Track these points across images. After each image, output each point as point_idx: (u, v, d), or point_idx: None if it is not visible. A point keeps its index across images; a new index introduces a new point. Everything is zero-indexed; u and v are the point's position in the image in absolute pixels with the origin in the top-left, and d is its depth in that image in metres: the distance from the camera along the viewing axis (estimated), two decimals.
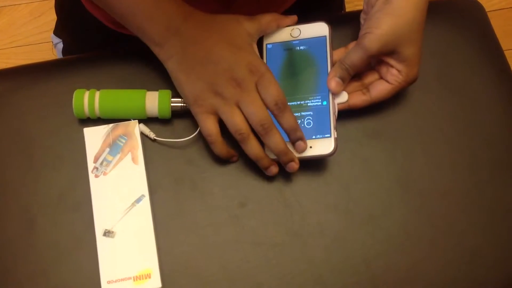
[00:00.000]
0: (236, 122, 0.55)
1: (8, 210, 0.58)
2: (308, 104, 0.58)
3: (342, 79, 0.58)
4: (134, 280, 0.54)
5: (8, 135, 0.61)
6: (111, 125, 0.58)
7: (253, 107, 0.55)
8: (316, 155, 0.57)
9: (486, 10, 0.72)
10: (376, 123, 0.63)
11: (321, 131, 0.57)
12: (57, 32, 0.95)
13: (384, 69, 0.59)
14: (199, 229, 0.58)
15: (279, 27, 0.61)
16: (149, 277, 0.54)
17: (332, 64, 0.59)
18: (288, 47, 0.61)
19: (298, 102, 0.59)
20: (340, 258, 0.58)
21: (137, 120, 0.58)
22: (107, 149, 0.57)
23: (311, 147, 0.57)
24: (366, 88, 0.60)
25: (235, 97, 0.55)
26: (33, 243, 0.57)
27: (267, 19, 0.61)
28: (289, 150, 0.57)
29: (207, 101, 0.56)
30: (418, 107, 0.64)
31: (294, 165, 0.57)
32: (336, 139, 0.57)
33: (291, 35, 0.61)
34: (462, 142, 0.63)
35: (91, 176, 0.57)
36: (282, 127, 0.57)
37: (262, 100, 0.55)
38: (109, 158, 0.57)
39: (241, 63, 0.55)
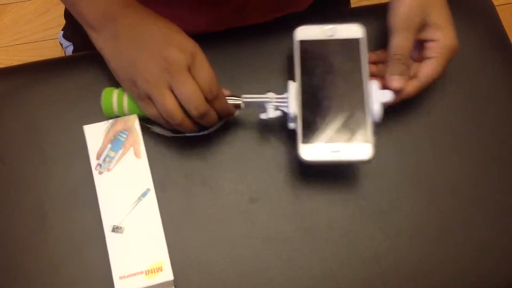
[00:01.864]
0: (167, 107, 0.52)
1: (21, 205, 0.57)
2: (345, 107, 0.55)
3: (402, 73, 0.56)
4: (146, 274, 0.52)
5: (20, 131, 0.60)
6: (110, 120, 0.57)
7: (185, 90, 0.52)
8: (354, 160, 0.53)
9: (495, 3, 0.70)
10: (386, 119, 0.61)
11: (360, 136, 0.54)
12: (66, 35, 0.94)
13: (422, 51, 0.58)
14: (209, 224, 0.57)
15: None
16: (161, 270, 0.53)
17: (367, 65, 0.56)
18: (321, 45, 0.58)
19: (334, 103, 0.55)
20: (350, 253, 0.57)
21: (135, 115, 0.57)
22: (109, 145, 0.56)
23: (348, 151, 0.53)
24: (413, 75, 0.58)
25: (165, 79, 0.52)
26: (45, 239, 0.56)
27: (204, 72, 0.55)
28: (231, 106, 0.56)
29: (140, 89, 0.53)
30: (427, 103, 0.63)
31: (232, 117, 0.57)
32: (374, 144, 0.53)
33: (324, 34, 0.58)
34: (472, 137, 0.62)
35: (95, 173, 0.55)
36: (216, 112, 0.55)
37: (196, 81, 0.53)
38: (112, 154, 0.56)
39: (171, 44, 0.52)
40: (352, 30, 0.57)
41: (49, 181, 0.58)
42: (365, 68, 0.56)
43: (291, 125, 0.55)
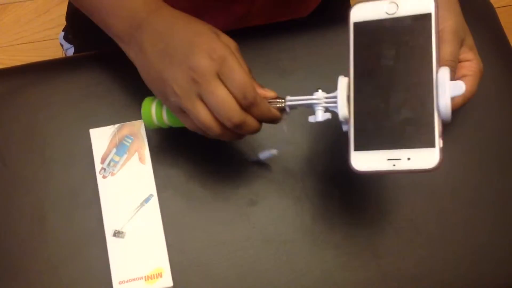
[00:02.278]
0: (201, 120, 0.48)
1: (21, 207, 0.58)
2: (406, 104, 0.45)
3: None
4: (145, 280, 0.53)
5: (21, 132, 0.61)
6: (116, 125, 0.58)
7: (214, 100, 0.47)
8: (415, 169, 0.44)
9: (496, 6, 0.71)
10: None
11: (423, 140, 0.44)
12: (67, 38, 0.95)
13: (457, 70, 0.56)
14: (209, 227, 0.58)
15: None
16: (161, 276, 0.54)
17: (439, 49, 0.45)
18: (381, 27, 0.47)
19: (393, 101, 0.45)
20: (350, 255, 0.58)
21: (142, 120, 0.58)
22: (114, 150, 0.57)
23: (409, 158, 0.44)
24: None
25: (194, 90, 0.48)
26: (45, 240, 0.57)
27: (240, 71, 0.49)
28: (273, 109, 0.51)
29: (171, 101, 0.50)
30: None
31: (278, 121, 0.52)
32: (441, 150, 0.43)
33: (386, 12, 0.47)
34: (472, 139, 0.62)
35: (99, 177, 0.56)
36: (257, 119, 0.50)
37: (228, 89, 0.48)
38: (116, 158, 0.57)
39: (200, 49, 0.47)
40: (422, 2, 0.46)
41: (50, 183, 0.59)
42: (437, 52, 0.45)
43: (344, 127, 0.48)
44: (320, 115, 0.49)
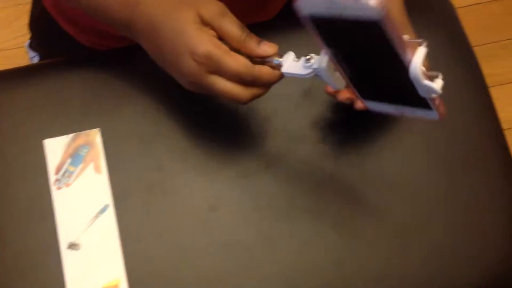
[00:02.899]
0: (223, 98, 0.51)
1: None
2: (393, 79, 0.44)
3: None
4: None
5: None
6: (71, 135, 0.57)
7: (217, 92, 0.50)
8: (421, 117, 0.46)
9: (463, 5, 0.71)
10: (347, 123, 0.62)
11: (420, 106, 0.45)
12: (32, 46, 0.94)
13: None
14: (170, 235, 0.58)
15: (240, 47, 0.50)
16: None
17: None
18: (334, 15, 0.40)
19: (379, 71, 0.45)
20: (311, 259, 0.57)
21: (98, 129, 0.57)
22: (69, 160, 0.56)
23: (413, 112, 0.46)
24: None
25: (196, 87, 0.51)
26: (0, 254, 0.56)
27: (231, 29, 0.50)
28: (275, 72, 0.50)
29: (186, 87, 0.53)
30: None
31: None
32: (441, 110, 0.45)
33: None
34: (434, 140, 0.62)
35: (53, 189, 0.55)
36: (264, 86, 0.51)
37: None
38: (71, 168, 0.56)
39: (183, 56, 0.49)
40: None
41: (3, 196, 0.57)
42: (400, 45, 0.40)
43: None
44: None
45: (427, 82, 0.41)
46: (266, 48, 0.50)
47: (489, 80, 1.41)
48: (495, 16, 1.45)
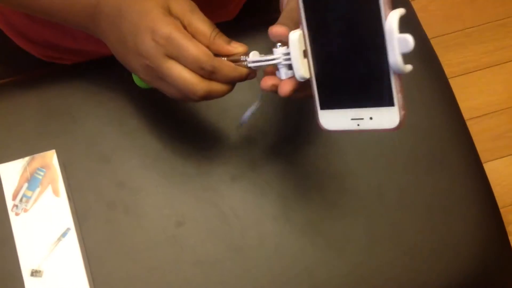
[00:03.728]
0: (173, 95, 0.49)
1: None
2: (363, 59, 0.42)
3: None
4: None
5: None
6: (27, 158, 0.55)
7: (172, 80, 0.47)
8: (378, 129, 0.42)
9: None
10: (308, 126, 0.61)
11: (382, 98, 0.42)
12: None
13: None
14: (136, 254, 0.56)
15: (209, 46, 0.49)
16: None
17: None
18: None
19: (350, 56, 0.43)
20: (282, 269, 0.56)
21: (54, 150, 0.56)
22: (26, 184, 0.55)
23: (371, 118, 0.42)
24: None
25: (152, 75, 0.48)
26: None
27: (202, 26, 0.49)
28: (238, 68, 0.48)
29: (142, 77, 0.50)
30: None
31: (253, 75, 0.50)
32: (402, 107, 0.41)
33: None
34: (396, 140, 0.62)
35: (12, 215, 0.54)
36: (224, 82, 0.49)
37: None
38: (28, 193, 0.54)
39: (143, 34, 0.46)
40: None
41: None
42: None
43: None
44: (283, 73, 0.46)
45: (402, 34, 0.39)
46: (237, 45, 0.49)
47: (455, 69, 1.43)
48: (457, 4, 1.46)
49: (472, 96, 1.38)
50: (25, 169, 0.55)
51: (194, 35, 0.48)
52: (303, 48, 0.44)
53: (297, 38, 0.44)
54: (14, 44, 0.73)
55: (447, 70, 0.68)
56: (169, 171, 0.59)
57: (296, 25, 0.45)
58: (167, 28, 0.46)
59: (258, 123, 0.61)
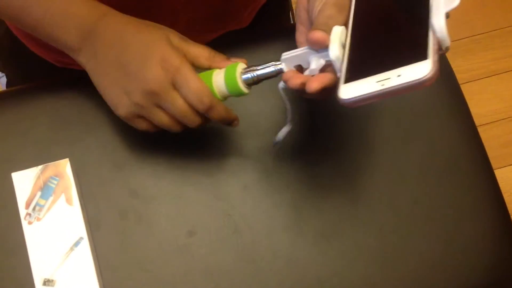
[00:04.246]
0: (163, 123, 0.52)
1: None
2: (401, 29, 0.42)
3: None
4: None
5: None
6: (40, 166, 0.55)
7: (174, 110, 0.50)
8: (406, 83, 0.39)
9: None
10: (321, 137, 0.61)
11: (415, 56, 0.40)
12: None
13: None
14: (147, 263, 0.56)
15: (210, 67, 0.53)
16: None
17: None
18: None
19: (387, 28, 0.43)
20: (293, 280, 0.56)
21: (67, 159, 0.55)
22: (39, 193, 0.54)
23: (399, 75, 0.39)
24: None
25: (152, 101, 0.50)
26: None
27: (199, 51, 0.52)
28: (230, 111, 0.53)
29: (127, 109, 0.52)
30: (362, 120, 0.63)
31: (236, 123, 0.55)
32: (436, 62, 0.39)
33: None
34: (408, 152, 0.62)
35: (24, 223, 0.54)
36: (216, 120, 0.53)
37: (184, 98, 0.50)
38: (42, 202, 0.54)
39: (152, 62, 0.49)
40: None
41: None
42: None
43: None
44: (314, 63, 0.47)
45: None
46: (236, 60, 0.52)
47: (464, 76, 1.43)
48: (467, 11, 1.46)
49: (480, 103, 1.38)
50: (38, 178, 0.55)
51: (195, 60, 0.52)
52: (343, 41, 0.45)
53: (340, 31, 0.45)
54: (28, 50, 0.73)
55: (456, 77, 0.68)
56: (181, 180, 0.59)
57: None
58: (178, 59, 0.49)
59: (270, 133, 0.61)
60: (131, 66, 0.50)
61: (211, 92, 0.51)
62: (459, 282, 0.58)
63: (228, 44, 0.65)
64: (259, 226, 0.58)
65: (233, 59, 0.52)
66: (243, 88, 0.51)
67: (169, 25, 0.54)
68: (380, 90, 0.39)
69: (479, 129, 0.65)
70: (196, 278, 0.56)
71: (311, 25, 0.48)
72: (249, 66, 0.51)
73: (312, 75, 0.47)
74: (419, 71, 0.38)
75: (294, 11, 0.93)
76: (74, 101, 0.61)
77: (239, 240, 0.57)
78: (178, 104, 0.50)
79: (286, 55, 0.50)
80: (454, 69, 0.68)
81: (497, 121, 1.36)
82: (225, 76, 0.51)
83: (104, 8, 0.53)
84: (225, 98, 0.52)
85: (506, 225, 0.62)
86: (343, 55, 0.44)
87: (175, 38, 0.52)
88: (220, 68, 0.52)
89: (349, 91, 0.41)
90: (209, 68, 0.52)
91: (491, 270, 0.59)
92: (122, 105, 0.52)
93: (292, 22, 0.95)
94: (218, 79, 0.51)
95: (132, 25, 0.52)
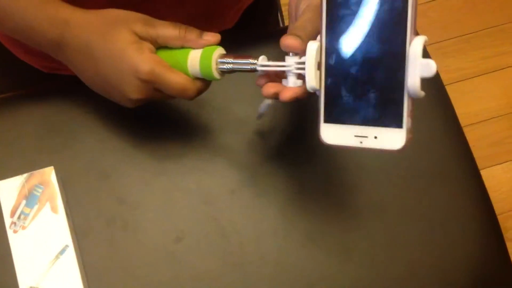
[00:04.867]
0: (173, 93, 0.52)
1: None
2: (378, 78, 0.42)
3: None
4: None
5: None
6: (25, 175, 0.55)
7: (168, 96, 0.52)
8: (381, 149, 0.42)
9: (424, 1, 0.71)
10: (308, 141, 0.61)
11: (391, 119, 0.42)
12: None
13: None
14: (135, 270, 0.56)
15: (183, 46, 0.52)
16: None
17: (414, 16, 0.40)
18: None
19: (365, 72, 0.42)
20: (282, 284, 0.56)
21: (52, 167, 0.55)
22: (24, 201, 0.54)
23: (376, 137, 0.42)
24: None
25: (146, 97, 0.52)
26: None
27: (168, 32, 0.51)
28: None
29: (130, 105, 0.53)
30: None
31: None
32: (409, 131, 0.41)
33: None
34: (396, 155, 0.62)
35: (10, 232, 0.53)
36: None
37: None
38: (27, 210, 0.54)
39: (126, 76, 0.49)
40: None
41: None
42: (412, 19, 0.40)
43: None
44: (291, 82, 0.47)
45: (425, 59, 0.40)
46: (209, 38, 0.51)
47: (454, 75, 1.43)
48: (456, 10, 1.46)
49: (470, 102, 1.38)
50: (23, 186, 0.55)
51: (167, 43, 0.51)
52: (318, 59, 0.44)
53: (316, 49, 0.44)
54: (14, 56, 0.73)
55: (446, 76, 0.68)
56: (168, 185, 0.59)
57: (308, 37, 0.46)
58: (148, 65, 0.49)
59: (258, 137, 0.61)
60: (111, 80, 0.51)
61: (192, 80, 0.51)
62: (446, 282, 0.58)
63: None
64: (246, 231, 0.58)
65: (206, 36, 0.51)
66: (216, 75, 0.51)
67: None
68: (358, 146, 0.43)
69: (469, 128, 0.65)
70: (184, 284, 0.56)
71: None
72: (226, 54, 0.51)
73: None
74: (394, 140, 0.41)
75: (282, 12, 0.93)
76: (59, 109, 0.61)
77: (226, 245, 0.57)
78: (168, 95, 0.51)
79: (263, 66, 0.48)
80: (443, 69, 0.69)
81: (487, 120, 1.37)
82: (201, 60, 0.50)
83: (63, 15, 0.52)
84: (196, 78, 0.52)
85: (492, 225, 0.62)
86: (320, 86, 0.44)
87: (140, 26, 0.50)
88: (193, 48, 0.51)
89: (329, 136, 0.44)
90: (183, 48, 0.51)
91: (478, 270, 0.59)
92: (124, 103, 0.53)
93: (280, 23, 0.95)
94: (193, 62, 0.50)
95: (96, 33, 0.50)
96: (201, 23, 0.72)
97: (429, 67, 0.40)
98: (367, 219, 0.59)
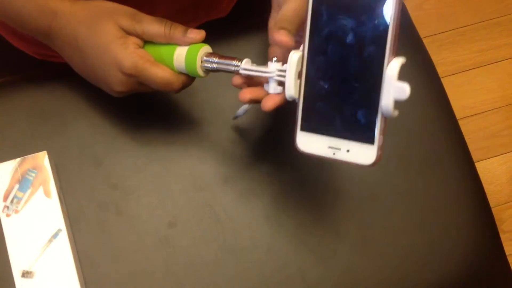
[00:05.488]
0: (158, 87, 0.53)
1: None
2: (355, 92, 0.43)
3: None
4: None
5: None
6: (18, 159, 0.55)
7: (153, 89, 0.53)
8: (353, 163, 0.44)
9: None
10: None
11: (363, 135, 0.43)
12: None
13: None
14: (128, 255, 0.56)
15: (169, 42, 0.52)
16: None
17: (395, 35, 0.41)
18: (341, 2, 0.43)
19: (343, 85, 0.43)
20: (274, 270, 0.56)
21: (45, 151, 0.55)
22: (17, 186, 0.54)
23: (348, 150, 0.44)
24: None
25: (132, 90, 0.53)
26: None
27: (154, 30, 0.51)
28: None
29: (117, 94, 0.54)
30: None
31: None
32: (380, 148, 0.43)
33: None
34: (389, 142, 0.62)
35: (3, 216, 0.53)
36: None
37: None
38: (19, 194, 0.54)
39: (111, 69, 0.50)
40: None
41: None
42: (392, 41, 0.41)
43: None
44: (272, 88, 0.48)
45: (400, 83, 0.41)
46: (193, 35, 0.51)
47: (449, 68, 1.43)
48: (452, 3, 1.46)
49: (466, 95, 1.38)
50: (16, 170, 0.55)
51: (152, 40, 0.52)
52: (299, 69, 0.45)
53: (297, 59, 0.45)
54: (7, 42, 0.73)
55: (441, 69, 0.68)
56: (161, 172, 0.59)
57: (296, 31, 0.47)
58: (131, 60, 0.49)
59: (251, 124, 0.61)
60: (96, 72, 0.52)
61: (176, 74, 0.51)
62: (440, 272, 0.58)
63: (208, 34, 0.65)
64: (239, 217, 0.58)
65: (190, 34, 0.51)
66: (201, 73, 0.51)
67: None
68: (331, 157, 0.45)
69: (465, 121, 0.65)
70: (177, 269, 0.56)
71: (279, 9, 0.48)
72: (212, 53, 0.51)
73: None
74: (365, 155, 0.43)
75: None
76: (52, 94, 0.61)
77: (219, 230, 0.57)
78: (153, 88, 0.52)
79: (246, 70, 0.49)
80: (439, 61, 0.69)
81: (483, 112, 1.37)
82: (186, 58, 0.50)
83: (52, 5, 0.52)
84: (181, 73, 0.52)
85: (486, 216, 0.62)
86: (299, 95, 0.45)
87: (126, 21, 0.51)
88: (179, 45, 0.51)
89: (304, 144, 0.45)
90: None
91: (471, 259, 0.59)
92: (110, 93, 0.54)
93: None
94: (179, 58, 0.51)
95: (83, 25, 0.51)
96: (196, 11, 0.73)
97: (403, 91, 0.41)
98: (359, 206, 0.59)
